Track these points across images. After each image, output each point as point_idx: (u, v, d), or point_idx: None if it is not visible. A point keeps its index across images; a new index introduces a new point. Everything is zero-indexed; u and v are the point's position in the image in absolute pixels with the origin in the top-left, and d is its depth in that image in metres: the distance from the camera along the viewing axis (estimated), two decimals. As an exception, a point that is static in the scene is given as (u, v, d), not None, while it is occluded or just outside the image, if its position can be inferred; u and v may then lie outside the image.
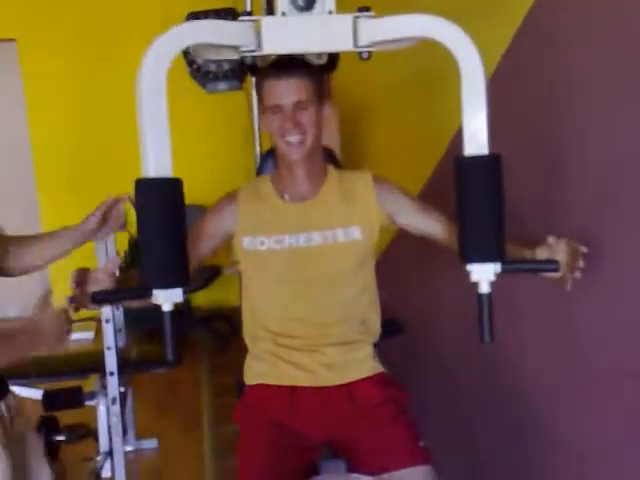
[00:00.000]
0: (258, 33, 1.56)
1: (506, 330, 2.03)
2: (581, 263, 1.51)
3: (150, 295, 1.30)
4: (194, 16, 4.36)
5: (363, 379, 1.89)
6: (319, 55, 1.88)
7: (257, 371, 1.93)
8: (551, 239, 1.53)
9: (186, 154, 5.38)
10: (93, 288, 1.48)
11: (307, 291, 1.85)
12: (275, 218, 1.86)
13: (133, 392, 3.33)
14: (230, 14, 4.35)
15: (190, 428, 3.58)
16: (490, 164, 1.39)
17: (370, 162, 3.74)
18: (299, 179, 1.86)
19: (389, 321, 2.08)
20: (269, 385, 1.89)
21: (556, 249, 1.53)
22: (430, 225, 1.84)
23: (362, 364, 1.91)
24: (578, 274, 1.52)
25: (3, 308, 5.61)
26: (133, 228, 4.61)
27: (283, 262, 1.84)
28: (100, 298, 1.38)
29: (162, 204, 1.32)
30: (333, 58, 1.96)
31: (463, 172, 1.40)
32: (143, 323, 4.89)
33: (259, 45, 1.57)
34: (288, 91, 1.72)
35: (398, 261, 3.12)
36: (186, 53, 5.18)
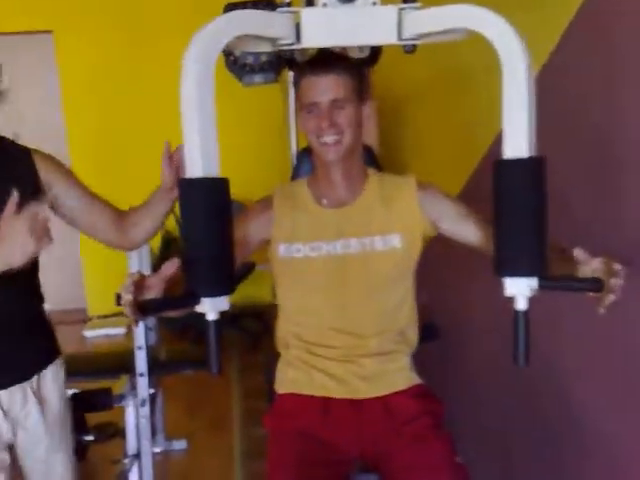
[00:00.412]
0: (297, 25, 1.48)
1: (546, 341, 1.93)
2: (619, 282, 1.32)
3: (197, 304, 1.24)
4: (232, 7, 4.30)
5: (399, 391, 1.80)
6: (361, 48, 1.80)
7: (290, 379, 1.85)
8: (583, 255, 1.35)
9: (224, 148, 5.33)
10: (144, 295, 1.33)
11: (344, 300, 1.77)
12: (312, 224, 1.77)
13: (163, 392, 3.27)
14: (269, 5, 4.28)
15: (220, 429, 3.52)
16: (531, 167, 1.27)
17: (408, 158, 3.64)
18: (336, 182, 1.77)
19: (426, 325, 1.99)
20: (302, 395, 1.81)
21: (594, 267, 1.36)
22: (473, 232, 1.72)
23: (398, 376, 1.82)
24: (615, 295, 1.33)
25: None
26: (168, 222, 4.56)
27: (320, 270, 1.76)
28: (149, 307, 1.28)
29: (210, 206, 1.24)
30: (376, 51, 1.87)
31: (501, 175, 1.29)
32: (173, 321, 4.89)
33: (298, 38, 1.49)
34: (325, 88, 1.63)
35: (436, 261, 3.02)
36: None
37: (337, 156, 1.68)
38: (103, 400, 2.49)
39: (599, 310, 1.33)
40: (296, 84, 1.73)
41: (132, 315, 1.25)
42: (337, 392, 1.78)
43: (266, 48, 1.57)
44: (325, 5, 1.50)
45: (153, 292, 1.32)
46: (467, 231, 1.73)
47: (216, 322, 1.27)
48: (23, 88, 5.37)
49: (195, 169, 1.25)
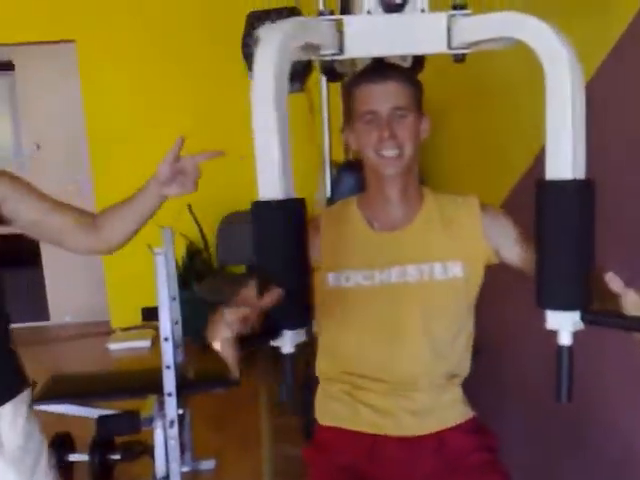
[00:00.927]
0: (340, 34, 1.39)
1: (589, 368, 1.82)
2: None
3: (278, 337, 1.18)
4: (256, 16, 4.23)
5: (453, 427, 1.66)
6: (404, 57, 1.71)
7: (333, 412, 1.71)
8: (617, 284, 1.19)
9: (250, 157, 5.26)
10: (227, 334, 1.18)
11: (397, 334, 1.61)
12: (363, 250, 1.62)
13: (191, 410, 3.19)
14: (293, 14, 4.21)
15: (248, 447, 3.41)
16: (576, 190, 1.15)
17: (442, 175, 3.53)
18: (392, 202, 1.61)
19: None
20: (346, 430, 1.68)
21: (632, 300, 1.19)
22: (531, 259, 1.55)
23: (451, 409, 1.68)
24: None
25: (60, 315, 5.60)
26: (192, 233, 4.46)
27: (372, 301, 1.60)
28: (244, 346, 1.16)
29: (292, 230, 1.16)
30: (419, 60, 1.78)
31: (543, 198, 1.18)
32: (197, 333, 4.80)
33: (341, 47, 1.40)
34: (385, 96, 1.51)
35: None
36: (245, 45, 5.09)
37: (397, 171, 1.54)
38: (130, 424, 2.41)
39: None
40: (346, 97, 1.60)
41: (228, 354, 1.14)
42: (387, 429, 1.64)
43: (309, 57, 1.48)
44: (369, 13, 1.41)
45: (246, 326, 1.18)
46: (528, 262, 1.54)
47: (291, 355, 1.21)
48: (45, 98, 5.35)
49: (274, 190, 1.16)
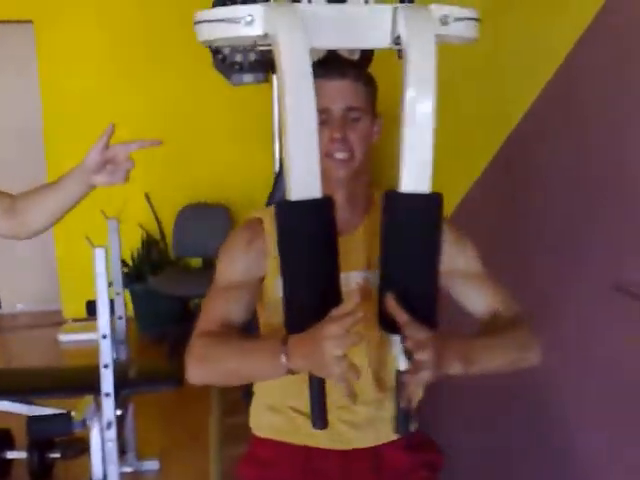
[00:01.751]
0: (279, 24, 1.30)
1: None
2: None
3: None
4: (221, 2, 4.12)
5: (393, 441, 1.56)
6: (350, 51, 1.62)
7: (269, 423, 1.61)
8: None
9: (212, 151, 5.19)
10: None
11: None
12: None
13: (135, 408, 3.08)
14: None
15: (196, 449, 3.31)
16: (428, 206, 1.20)
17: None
18: (338, 206, 1.43)
19: None
20: (282, 442, 1.58)
21: None
22: (476, 310, 1.49)
23: (392, 423, 1.54)
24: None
25: (12, 303, 5.44)
26: (149, 224, 4.30)
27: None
28: None
29: (319, 232, 1.15)
30: (367, 53, 1.69)
31: (392, 212, 1.22)
32: (152, 327, 4.70)
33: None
34: (339, 94, 1.40)
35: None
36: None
37: (346, 174, 1.44)
38: (61, 425, 2.30)
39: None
40: None
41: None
42: (324, 442, 1.55)
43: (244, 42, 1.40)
44: (310, 1, 1.32)
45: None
46: (469, 302, 1.49)
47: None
48: (1, 81, 5.17)
49: (307, 189, 1.15)
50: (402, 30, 1.22)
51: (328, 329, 1.11)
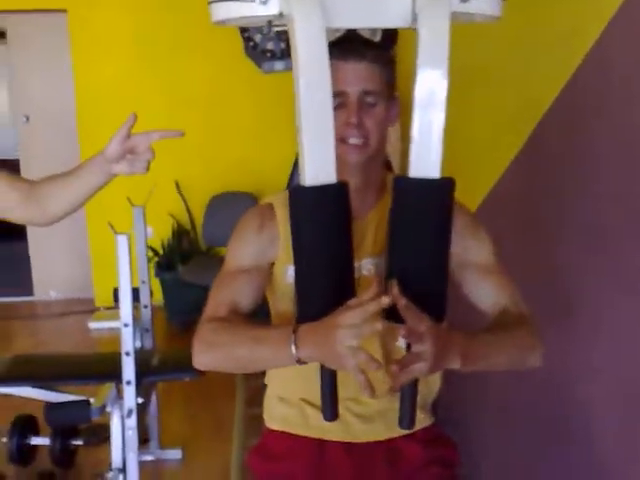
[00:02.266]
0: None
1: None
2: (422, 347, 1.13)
3: None
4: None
5: (407, 435, 1.49)
6: (373, 32, 1.57)
7: (281, 415, 1.57)
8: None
9: (242, 140, 5.17)
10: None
11: None
12: None
13: (159, 396, 3.07)
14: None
15: (220, 439, 3.29)
16: (440, 192, 1.16)
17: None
18: (352, 190, 1.39)
19: None
20: (294, 435, 1.54)
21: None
22: (485, 304, 1.43)
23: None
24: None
25: (45, 289, 5.49)
26: (180, 213, 4.30)
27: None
28: None
29: (334, 218, 1.12)
30: (390, 33, 1.64)
31: (401, 198, 1.18)
32: (180, 316, 4.69)
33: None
34: (356, 77, 1.34)
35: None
36: (243, 30, 4.93)
37: (360, 159, 1.39)
38: (79, 413, 2.28)
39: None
40: None
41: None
42: (335, 434, 1.51)
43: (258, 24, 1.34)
44: (329, -19, 1.27)
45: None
46: (476, 294, 1.44)
47: (330, 373, 1.18)
48: (37, 69, 5.21)
49: (322, 175, 1.12)
50: (418, 6, 1.16)
51: (344, 317, 1.07)
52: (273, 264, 1.45)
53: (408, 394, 1.17)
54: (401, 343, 1.16)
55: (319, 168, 1.10)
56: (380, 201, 1.48)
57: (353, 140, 1.37)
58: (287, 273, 1.42)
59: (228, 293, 1.40)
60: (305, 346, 1.15)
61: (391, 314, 1.14)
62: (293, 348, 1.16)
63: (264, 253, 1.44)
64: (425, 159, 1.12)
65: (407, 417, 1.17)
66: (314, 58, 1.12)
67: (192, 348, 1.34)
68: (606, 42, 1.64)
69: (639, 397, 1.54)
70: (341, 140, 1.36)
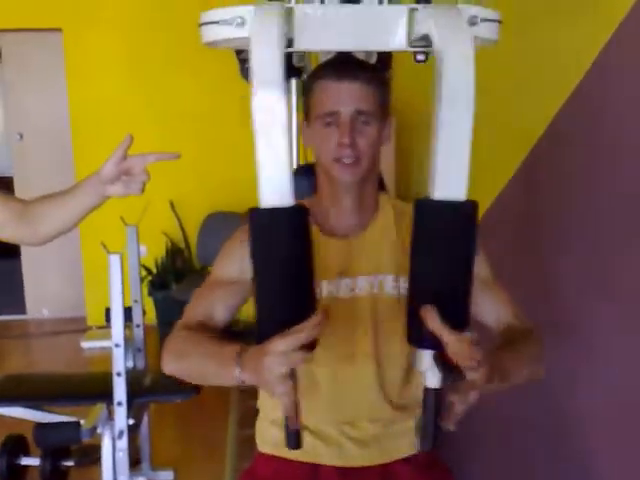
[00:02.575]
0: (290, 24, 1.25)
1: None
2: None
3: None
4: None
5: (401, 460, 1.51)
6: (369, 53, 1.57)
7: (273, 438, 1.54)
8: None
9: (236, 159, 5.16)
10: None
11: (346, 351, 1.44)
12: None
13: (151, 417, 3.04)
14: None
15: (212, 460, 3.25)
16: (465, 215, 1.11)
17: (424, 181, 3.38)
18: (345, 209, 1.45)
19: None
20: (286, 459, 1.52)
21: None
22: (487, 309, 1.42)
23: (401, 440, 1.52)
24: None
25: (37, 308, 5.46)
26: (174, 232, 4.29)
27: None
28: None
29: (289, 241, 1.07)
30: (385, 56, 1.64)
31: (424, 221, 1.12)
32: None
33: (289, 39, 1.26)
34: (349, 96, 1.34)
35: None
36: (239, 51, 4.94)
37: (353, 179, 1.39)
38: (68, 434, 2.25)
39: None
40: (307, 91, 1.43)
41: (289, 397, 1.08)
42: (328, 458, 1.49)
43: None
44: (323, 2, 1.27)
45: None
46: (483, 306, 1.42)
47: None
48: (29, 87, 5.22)
49: (277, 197, 1.08)
50: (433, 32, 1.15)
51: (274, 344, 1.04)
52: None
53: (430, 415, 1.12)
54: (422, 368, 1.12)
55: (274, 190, 1.09)
56: (374, 221, 1.48)
57: (346, 160, 1.36)
58: None
59: (204, 304, 1.42)
60: (245, 370, 1.14)
61: (416, 339, 1.12)
62: (237, 370, 1.15)
63: (245, 268, 1.39)
64: (451, 181, 1.10)
65: (429, 438, 1.12)
66: (268, 81, 1.09)
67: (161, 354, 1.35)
68: (608, 57, 1.64)
69: (634, 407, 1.53)
70: (335, 160, 1.37)
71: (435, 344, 1.06)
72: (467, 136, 1.10)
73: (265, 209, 1.07)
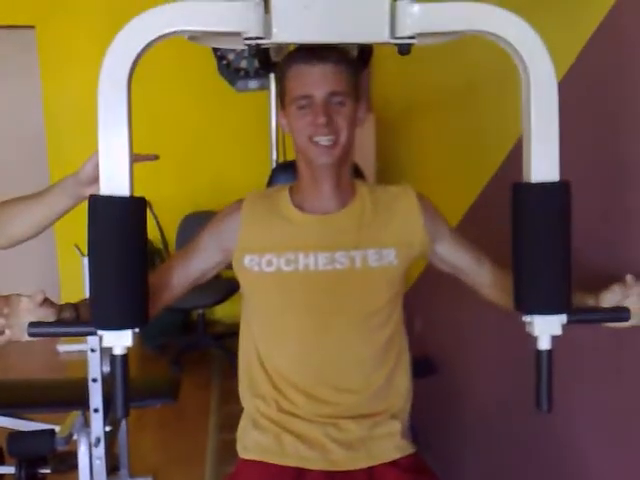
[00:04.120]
0: (268, 16, 1.21)
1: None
2: None
3: (95, 334, 1.15)
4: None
5: (388, 463, 1.49)
6: (350, 47, 1.53)
7: (256, 443, 1.53)
8: (617, 286, 1.25)
9: (213, 159, 5.13)
10: (28, 318, 1.20)
11: (325, 328, 1.47)
12: (288, 232, 1.48)
13: (130, 423, 2.97)
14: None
15: (192, 466, 3.20)
16: (560, 194, 1.15)
17: (408, 177, 3.35)
18: (324, 191, 1.48)
19: (419, 360, 1.74)
20: (269, 464, 1.49)
21: (624, 294, 1.24)
22: (467, 262, 1.53)
23: (386, 443, 1.51)
24: None
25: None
26: (152, 233, 4.22)
27: (295, 289, 1.45)
28: (34, 332, 1.19)
29: (115, 228, 1.11)
30: (365, 51, 1.61)
31: (526, 203, 1.17)
32: (153, 339, 4.59)
33: (268, 32, 1.21)
34: (321, 79, 1.36)
35: (430, 284, 2.73)
36: (216, 48, 4.89)
37: (331, 159, 1.41)
38: (42, 443, 2.19)
39: None
40: (281, 78, 1.44)
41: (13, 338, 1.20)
42: (313, 462, 1.47)
43: (234, 44, 1.31)
44: (302, -8, 1.23)
45: (37, 315, 1.23)
46: (462, 259, 1.53)
47: (123, 358, 1.15)
48: (2, 86, 5.11)
49: (115, 187, 1.13)
50: (498, 29, 1.16)
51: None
52: (234, 251, 1.49)
53: (544, 376, 1.17)
54: (535, 333, 1.18)
55: (113, 180, 1.13)
56: (352, 200, 1.51)
57: (323, 141, 1.38)
58: (244, 261, 1.47)
59: (163, 266, 1.52)
60: None
61: (525, 306, 1.19)
62: None
63: (220, 239, 1.50)
64: (545, 164, 1.15)
65: (545, 399, 1.17)
66: (111, 76, 1.25)
67: None
68: (584, 63, 1.62)
69: (624, 426, 1.50)
70: (310, 140, 1.39)
71: (541, 309, 1.16)
72: (556, 125, 1.15)
73: (104, 196, 1.12)
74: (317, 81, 1.36)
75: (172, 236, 4.87)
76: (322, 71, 1.35)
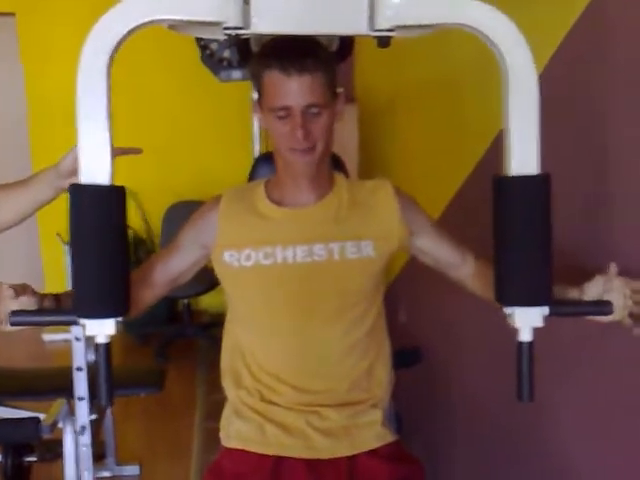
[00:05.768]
0: (247, 7, 1.21)
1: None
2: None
3: (77, 323, 1.14)
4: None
5: (369, 451, 1.51)
6: (328, 39, 1.53)
7: (238, 432, 1.55)
8: (600, 277, 1.27)
9: (198, 150, 5.12)
10: (11, 306, 1.19)
11: (305, 322, 1.48)
12: (265, 227, 1.49)
13: (116, 411, 2.99)
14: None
15: (178, 454, 3.22)
16: (540, 186, 1.15)
17: (390, 168, 3.36)
18: (301, 185, 1.50)
19: (405, 349, 1.75)
20: (251, 453, 1.51)
21: (608, 287, 1.25)
22: (447, 254, 1.55)
23: (368, 431, 1.53)
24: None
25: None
26: (136, 223, 4.22)
27: (275, 282, 1.47)
28: (16, 321, 1.18)
29: (96, 216, 1.11)
30: (346, 44, 1.61)
31: (506, 196, 1.16)
32: (138, 329, 4.60)
33: (247, 22, 1.22)
34: (299, 92, 1.35)
35: (413, 274, 2.75)
36: (199, 38, 4.86)
37: (308, 164, 1.43)
38: (27, 430, 2.20)
39: (634, 332, 1.26)
40: (257, 78, 1.43)
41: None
42: (294, 450, 1.49)
43: (215, 34, 1.31)
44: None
45: (21, 303, 1.21)
46: (442, 251, 1.56)
47: (106, 347, 1.14)
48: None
49: (88, 175, 1.13)
50: (478, 21, 1.16)
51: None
52: (214, 247, 1.51)
53: (526, 368, 1.17)
54: (516, 324, 1.17)
55: (92, 168, 1.13)
56: (326, 197, 1.52)
57: (300, 147, 1.40)
58: (224, 257, 1.48)
59: (146, 263, 1.55)
60: None
61: (506, 297, 1.18)
62: None
63: (199, 236, 1.52)
64: (524, 157, 1.15)
65: (527, 389, 1.16)
66: (92, 62, 1.25)
67: None
68: (565, 53, 1.63)
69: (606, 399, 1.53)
70: (287, 147, 1.41)
71: (522, 301, 1.16)
72: (535, 117, 1.15)
73: (85, 185, 1.11)
74: (294, 93, 1.35)
75: (157, 226, 4.86)
76: (299, 84, 1.35)
